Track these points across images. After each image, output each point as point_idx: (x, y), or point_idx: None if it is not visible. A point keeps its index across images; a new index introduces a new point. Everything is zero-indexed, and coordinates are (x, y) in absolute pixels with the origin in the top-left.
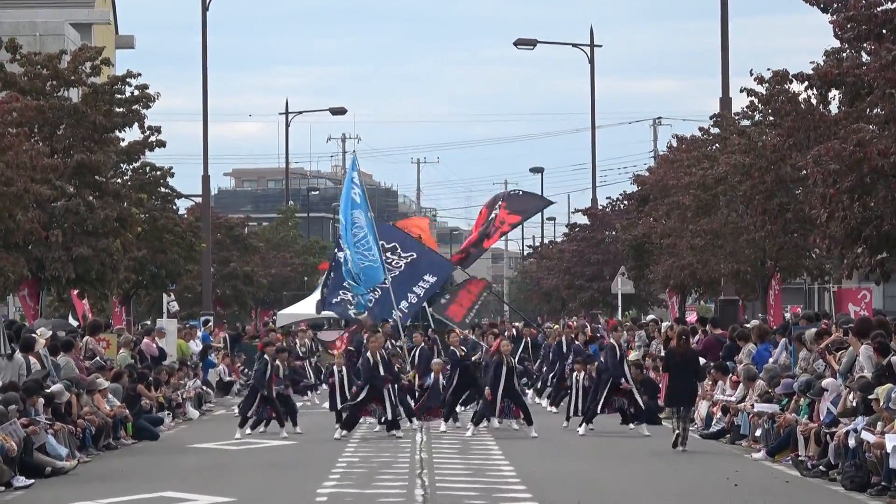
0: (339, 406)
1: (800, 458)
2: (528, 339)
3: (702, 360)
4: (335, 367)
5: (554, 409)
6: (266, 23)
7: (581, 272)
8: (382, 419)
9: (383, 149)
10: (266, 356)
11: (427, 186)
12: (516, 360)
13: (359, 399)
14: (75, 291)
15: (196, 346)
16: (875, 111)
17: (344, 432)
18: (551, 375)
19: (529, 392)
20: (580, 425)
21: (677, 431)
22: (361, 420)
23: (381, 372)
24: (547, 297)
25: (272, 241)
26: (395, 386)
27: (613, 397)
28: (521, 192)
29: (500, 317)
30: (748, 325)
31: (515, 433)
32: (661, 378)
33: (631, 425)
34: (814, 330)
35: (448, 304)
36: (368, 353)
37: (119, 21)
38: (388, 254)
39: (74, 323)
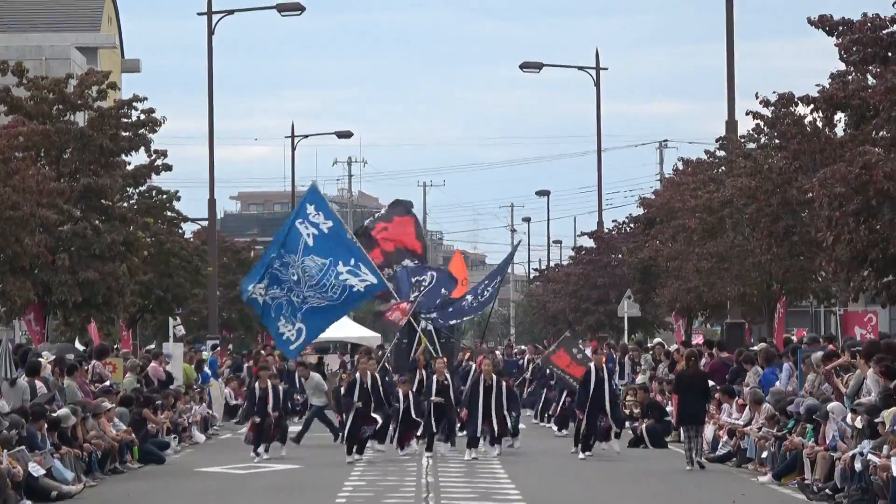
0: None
1: (806, 482)
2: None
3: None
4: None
5: (561, 433)
6: (273, 46)
7: (587, 295)
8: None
9: (389, 172)
10: (257, 382)
11: (433, 210)
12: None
13: (348, 423)
14: (92, 324)
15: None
16: (881, 134)
17: (355, 456)
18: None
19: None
20: (580, 451)
21: (692, 450)
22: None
23: (369, 396)
24: (553, 320)
25: None
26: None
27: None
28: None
29: (506, 339)
30: (755, 348)
31: (522, 456)
32: (666, 401)
33: (603, 445)
34: (820, 353)
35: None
36: (357, 375)
37: (125, 45)
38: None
39: (81, 347)
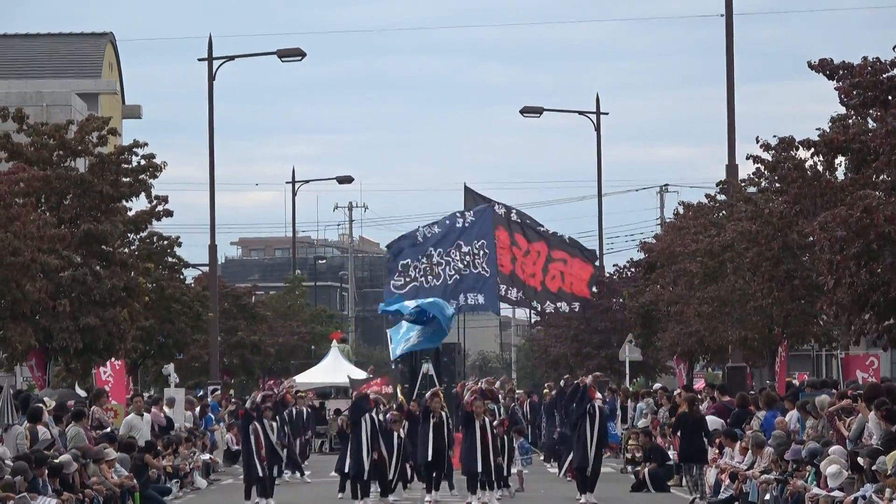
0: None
1: None
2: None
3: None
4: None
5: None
6: (274, 91)
7: (589, 340)
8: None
9: (390, 217)
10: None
11: None
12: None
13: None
14: (100, 369)
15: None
16: (881, 177)
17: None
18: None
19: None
20: (580, 494)
21: (694, 497)
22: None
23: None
24: (554, 364)
25: (279, 310)
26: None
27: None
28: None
29: (507, 385)
30: (765, 391)
31: (522, 500)
32: (668, 445)
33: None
34: (825, 397)
35: None
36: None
37: (126, 91)
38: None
39: (82, 393)
